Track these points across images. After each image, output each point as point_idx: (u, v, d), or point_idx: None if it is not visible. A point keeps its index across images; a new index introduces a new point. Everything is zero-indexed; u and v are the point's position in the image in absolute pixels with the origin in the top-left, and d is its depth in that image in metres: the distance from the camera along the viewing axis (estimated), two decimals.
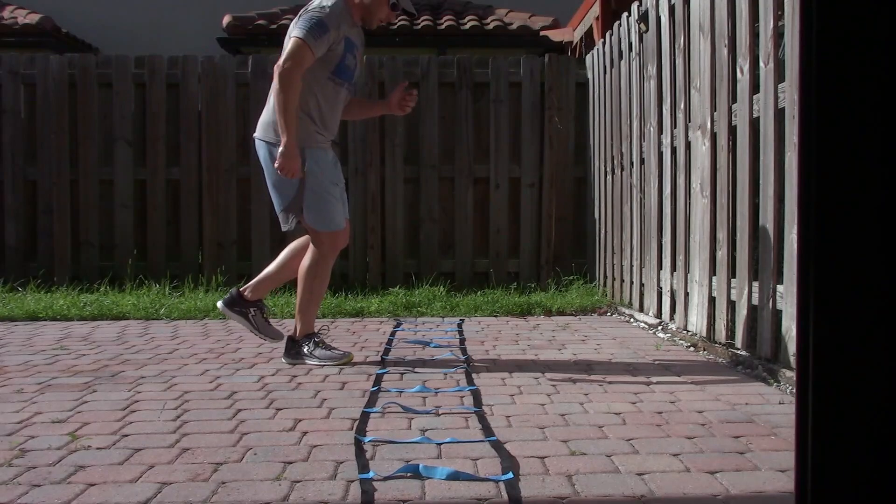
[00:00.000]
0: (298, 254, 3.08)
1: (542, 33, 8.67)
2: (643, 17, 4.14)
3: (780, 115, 2.74)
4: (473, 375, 2.77)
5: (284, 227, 3.03)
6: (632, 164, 4.41)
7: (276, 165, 2.86)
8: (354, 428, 2.06)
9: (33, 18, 9.22)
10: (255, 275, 5.32)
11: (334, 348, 3.05)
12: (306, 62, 2.82)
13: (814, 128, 0.64)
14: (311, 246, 3.01)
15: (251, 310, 3.13)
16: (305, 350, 2.99)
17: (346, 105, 3.15)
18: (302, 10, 2.90)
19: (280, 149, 2.83)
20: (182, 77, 5.45)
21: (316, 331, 3.08)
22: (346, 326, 4.08)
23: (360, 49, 3.09)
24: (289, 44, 2.82)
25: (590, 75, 5.41)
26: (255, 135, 3.02)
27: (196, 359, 3.15)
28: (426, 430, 2.04)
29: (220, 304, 3.17)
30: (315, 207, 2.93)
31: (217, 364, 3.03)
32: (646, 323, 3.99)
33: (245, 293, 3.14)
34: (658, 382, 2.63)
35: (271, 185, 2.99)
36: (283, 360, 3.03)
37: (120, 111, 5.44)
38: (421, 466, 1.70)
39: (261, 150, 2.99)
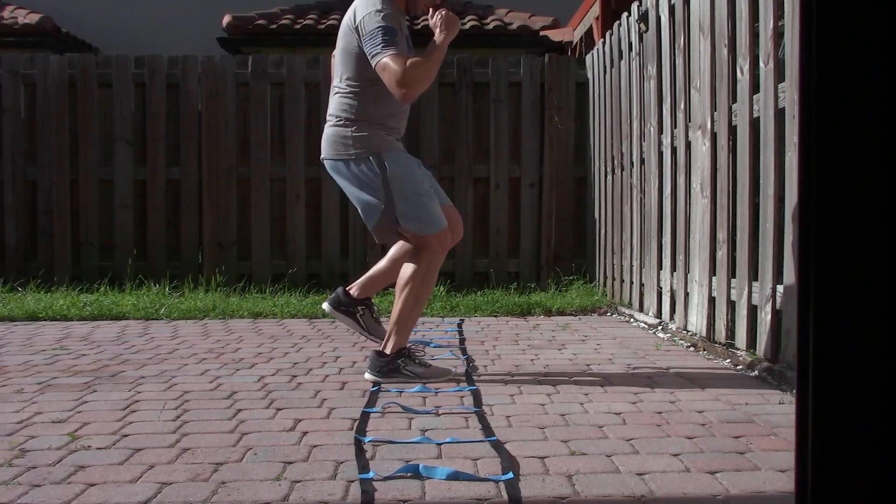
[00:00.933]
0: (409, 250, 2.83)
1: (542, 33, 8.67)
2: (643, 17, 4.14)
3: (780, 115, 2.74)
4: (473, 375, 2.77)
5: (379, 241, 2.87)
6: (632, 164, 4.41)
7: (444, 27, 2.64)
8: (354, 428, 2.06)
9: (33, 18, 9.22)
10: (256, 275, 5.38)
11: (429, 364, 2.74)
12: (402, 61, 2.54)
13: (814, 128, 0.64)
14: (414, 252, 2.73)
15: (359, 309, 2.94)
16: (401, 368, 2.66)
17: None
18: (351, 22, 2.67)
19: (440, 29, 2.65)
20: (182, 77, 5.45)
21: (410, 346, 2.78)
22: (346, 327, 4.07)
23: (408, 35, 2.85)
24: (383, 71, 2.55)
25: (590, 75, 5.41)
26: (322, 157, 2.79)
27: (196, 359, 3.15)
28: (426, 430, 2.04)
29: (325, 305, 2.99)
30: (412, 212, 2.67)
31: (217, 364, 3.03)
32: (646, 323, 3.99)
33: (351, 291, 2.95)
34: (658, 382, 2.63)
35: (357, 201, 2.74)
36: (368, 377, 2.69)
37: (120, 111, 5.44)
38: (421, 466, 1.70)
39: (333, 169, 2.76)
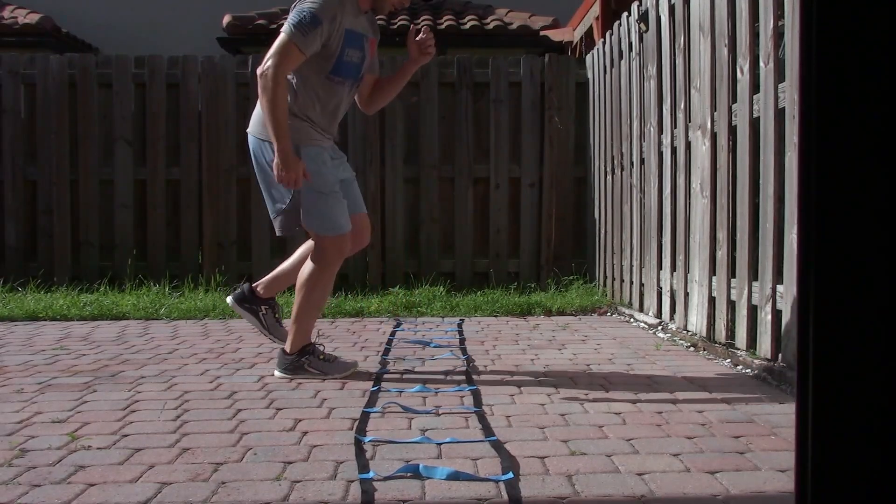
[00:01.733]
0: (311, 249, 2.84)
1: (542, 33, 8.67)
2: (643, 17, 4.14)
3: (780, 115, 2.74)
4: (473, 375, 2.77)
5: (280, 233, 2.77)
6: (632, 163, 4.41)
7: (275, 178, 2.60)
8: (354, 428, 2.06)
9: (33, 18, 9.21)
10: (256, 275, 5.37)
11: (336, 357, 2.81)
12: (292, 61, 2.54)
13: (814, 128, 0.64)
14: (313, 251, 2.73)
15: (262, 308, 2.95)
16: (305, 365, 2.73)
17: (374, 90, 2.95)
18: (297, 0, 2.63)
19: (275, 159, 2.58)
20: (182, 77, 5.45)
21: (313, 341, 2.83)
22: (346, 326, 4.08)
23: (372, 37, 2.79)
24: (275, 41, 2.55)
25: (590, 75, 5.41)
26: (247, 130, 2.78)
27: (196, 359, 3.15)
28: (426, 430, 2.04)
29: (229, 298, 2.99)
30: (315, 210, 2.65)
31: (217, 364, 3.03)
32: (646, 323, 3.99)
33: (257, 289, 2.95)
34: (658, 382, 2.63)
35: (264, 186, 2.74)
36: (276, 374, 2.76)
37: (120, 111, 5.44)
38: (421, 466, 1.70)
39: (253, 146, 2.74)
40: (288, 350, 2.76)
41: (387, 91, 2.99)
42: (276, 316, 3.00)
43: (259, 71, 2.56)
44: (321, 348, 2.82)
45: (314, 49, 2.57)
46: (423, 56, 2.85)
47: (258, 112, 2.68)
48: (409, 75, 2.91)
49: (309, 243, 2.84)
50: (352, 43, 2.67)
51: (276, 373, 2.77)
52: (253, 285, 2.97)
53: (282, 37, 2.54)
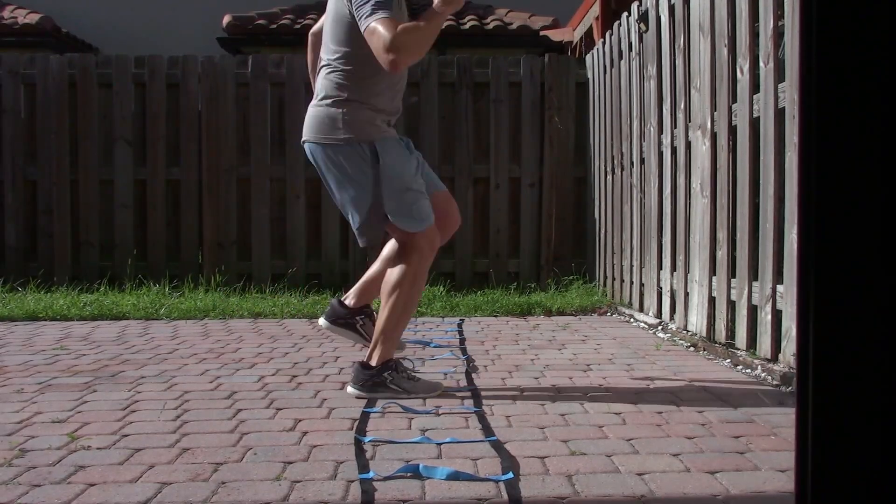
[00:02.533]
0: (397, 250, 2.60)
1: (542, 33, 8.67)
2: (643, 17, 4.14)
3: (780, 115, 2.74)
4: (473, 375, 2.77)
5: (365, 243, 2.54)
6: (632, 163, 4.41)
7: (444, 5, 2.27)
8: (354, 428, 2.06)
9: (33, 18, 9.22)
10: (256, 275, 5.38)
11: (418, 377, 2.51)
12: (394, 24, 2.24)
13: (814, 128, 0.64)
14: (401, 252, 2.49)
15: (358, 319, 2.68)
16: (388, 382, 2.42)
17: None
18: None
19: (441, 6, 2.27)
20: (182, 77, 5.45)
21: (398, 357, 2.54)
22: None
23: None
24: (372, 36, 2.25)
25: (590, 75, 5.41)
26: (303, 140, 2.50)
27: (196, 359, 3.15)
28: (426, 430, 2.04)
29: (322, 321, 2.72)
30: (402, 208, 2.41)
31: (217, 364, 3.03)
32: (646, 323, 3.99)
33: (346, 301, 2.71)
34: (658, 382, 2.63)
35: (341, 194, 2.47)
36: (350, 391, 2.45)
37: (120, 111, 5.44)
38: (421, 466, 1.70)
39: (316, 154, 2.47)
40: (372, 363, 2.44)
41: None
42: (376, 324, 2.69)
43: (387, 57, 2.21)
44: (411, 364, 2.57)
45: (399, 15, 2.34)
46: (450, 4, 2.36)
47: (312, 115, 2.47)
48: (437, 21, 2.37)
49: (393, 242, 2.61)
50: (406, 18, 2.44)
51: (350, 389, 2.46)
52: (341, 299, 2.73)
53: (371, 25, 2.23)
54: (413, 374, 2.51)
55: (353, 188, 2.42)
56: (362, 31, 2.27)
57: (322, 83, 2.46)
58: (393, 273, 2.48)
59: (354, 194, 2.43)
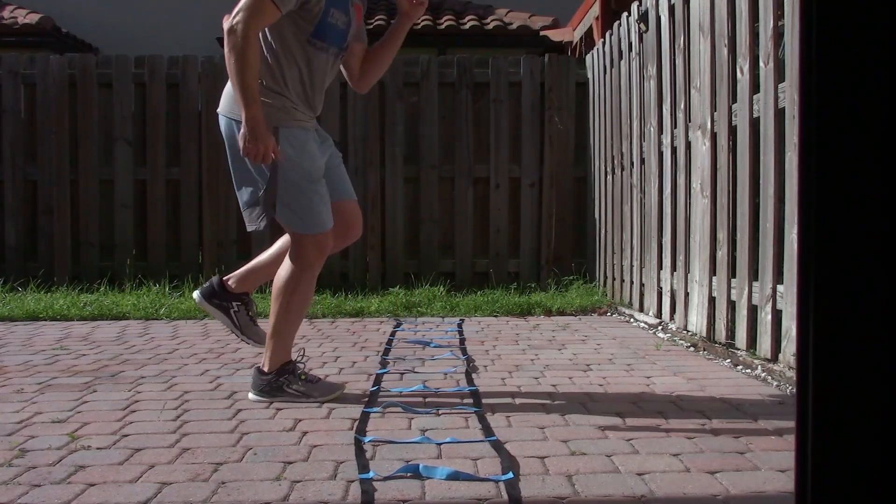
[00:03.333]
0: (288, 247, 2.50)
1: (542, 33, 8.67)
2: (643, 17, 4.14)
3: (780, 115, 2.74)
4: (473, 375, 2.77)
5: (251, 227, 2.40)
6: (632, 164, 4.41)
7: (241, 151, 2.23)
8: (354, 428, 2.06)
9: (33, 18, 9.22)
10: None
11: (319, 378, 2.45)
12: (265, 17, 2.19)
13: (814, 128, 0.64)
14: (291, 250, 2.40)
15: (234, 304, 2.58)
16: (284, 386, 2.38)
17: (366, 61, 2.57)
18: None
19: (241, 129, 2.21)
20: (182, 77, 5.45)
21: (294, 358, 2.45)
22: (346, 326, 4.08)
23: (357, 2, 2.46)
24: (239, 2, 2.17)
25: (590, 75, 5.41)
26: (217, 110, 2.42)
27: (196, 359, 3.15)
28: (426, 430, 2.04)
29: (196, 294, 2.61)
30: (294, 204, 2.31)
31: (217, 364, 3.03)
32: (646, 323, 3.99)
33: (228, 283, 2.59)
34: (658, 382, 2.63)
35: (234, 172, 2.38)
36: (251, 397, 2.39)
37: (120, 111, 5.44)
38: (421, 466, 1.70)
39: (226, 128, 2.37)
40: (265, 368, 2.39)
41: (380, 59, 2.61)
42: (251, 314, 2.62)
43: (227, 26, 2.17)
44: (302, 366, 2.45)
45: (290, 5, 2.22)
46: (416, 7, 2.47)
47: (229, 89, 2.34)
48: (403, 35, 2.53)
49: (287, 238, 2.51)
50: (336, 3, 2.33)
51: (251, 396, 2.40)
52: (224, 279, 2.61)
53: None
54: (313, 376, 2.44)
55: (246, 168, 2.31)
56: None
57: None
58: (279, 275, 2.41)
59: (246, 174, 2.34)
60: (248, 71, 2.17)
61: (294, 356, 2.46)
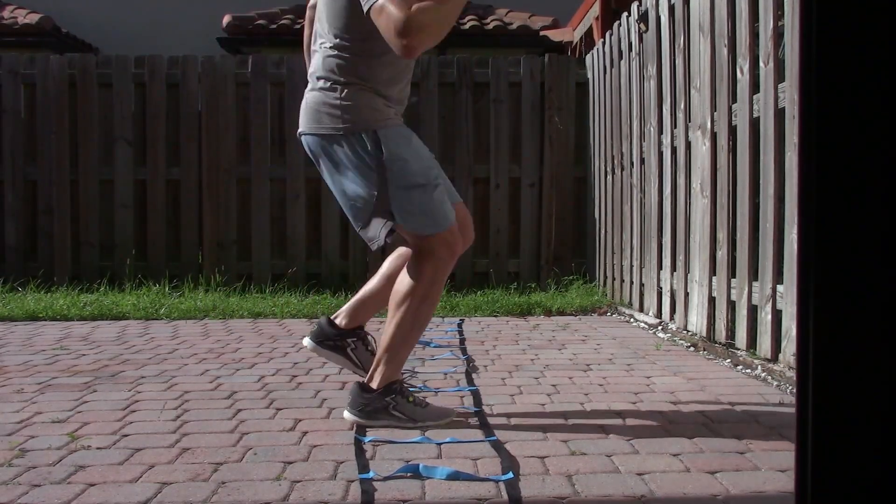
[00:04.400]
0: (406, 259, 2.23)
1: (542, 33, 8.67)
2: (643, 17, 4.14)
3: (780, 115, 2.74)
4: (473, 375, 2.77)
5: (374, 246, 2.13)
6: (632, 164, 4.41)
7: None
8: (354, 428, 2.06)
9: (33, 18, 9.22)
10: (256, 275, 5.38)
11: (428, 402, 2.16)
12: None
13: (814, 128, 0.64)
14: (415, 259, 2.13)
15: (349, 342, 2.36)
16: (390, 407, 2.09)
17: None
18: None
19: None
20: (182, 77, 5.45)
21: (402, 378, 2.18)
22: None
23: None
24: (380, 15, 1.90)
25: (590, 75, 5.41)
26: (300, 131, 2.18)
27: (196, 359, 3.15)
28: (426, 430, 2.04)
29: (306, 341, 2.40)
30: (419, 205, 2.07)
31: (217, 364, 3.03)
32: (646, 323, 3.99)
33: (337, 320, 2.37)
34: (658, 382, 2.63)
35: (340, 192, 2.13)
36: (347, 416, 2.11)
37: (120, 111, 5.44)
38: (421, 466, 1.70)
39: (312, 146, 2.15)
40: (373, 385, 2.11)
41: None
42: (370, 349, 2.38)
43: (399, 42, 1.88)
44: (411, 388, 2.23)
45: None
46: None
47: (307, 103, 2.15)
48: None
49: (395, 255, 2.32)
50: None
51: (347, 415, 2.12)
52: (331, 317, 2.39)
53: (379, 3, 1.90)
54: (421, 399, 2.16)
55: (353, 184, 2.09)
56: (365, 8, 1.95)
57: (317, 63, 2.14)
58: (403, 282, 2.13)
59: (355, 191, 2.09)
60: (444, 22, 1.93)
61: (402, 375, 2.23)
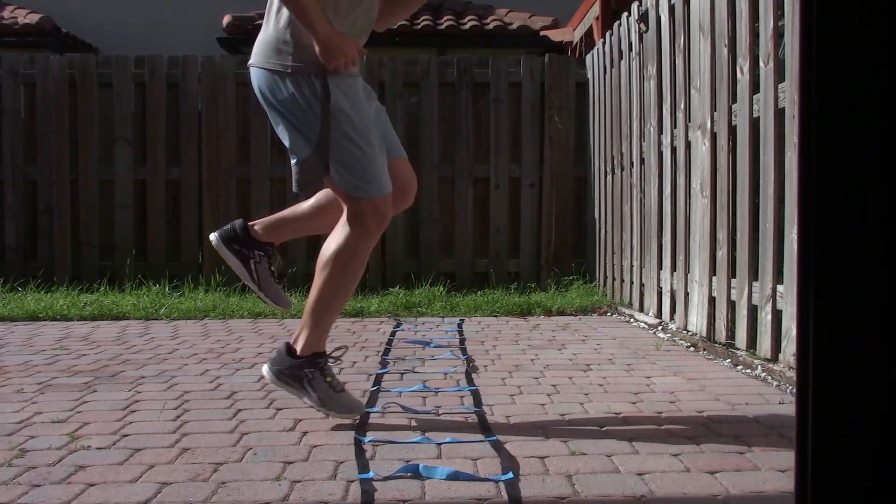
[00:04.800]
0: (339, 206, 2.13)
1: (542, 33, 8.68)
2: (643, 17, 4.14)
3: (780, 115, 2.74)
4: (473, 375, 2.77)
5: (297, 188, 2.09)
6: (632, 164, 4.41)
7: (323, 60, 1.97)
8: (354, 428, 2.06)
9: (33, 18, 9.22)
10: None
11: (344, 388, 2.13)
12: None
13: (814, 128, 0.64)
14: (343, 222, 2.08)
15: (255, 253, 2.25)
16: (305, 380, 2.08)
17: (385, 2, 2.24)
18: None
19: (316, 47, 1.96)
20: (182, 77, 5.45)
21: (327, 351, 2.14)
22: (346, 326, 4.08)
23: None
24: None
25: (590, 75, 5.41)
26: (249, 62, 2.13)
27: (196, 359, 3.15)
28: (426, 430, 2.04)
29: (213, 236, 2.30)
30: (351, 162, 2.01)
31: (217, 364, 3.03)
32: (646, 323, 3.99)
33: (254, 227, 2.27)
34: (658, 382, 2.63)
35: (282, 129, 2.07)
36: (265, 375, 2.13)
37: (120, 111, 5.44)
38: (421, 466, 1.70)
39: (259, 81, 2.09)
40: (297, 348, 2.09)
41: (399, 8, 2.33)
42: (272, 269, 2.31)
43: None
44: (332, 365, 2.16)
45: None
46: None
47: (263, 38, 2.09)
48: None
49: (328, 193, 2.20)
50: None
51: (265, 371, 2.12)
52: (249, 223, 2.29)
53: None
54: (339, 383, 2.12)
55: (293, 125, 2.04)
56: None
57: (273, 3, 2.09)
58: (328, 246, 2.09)
59: (294, 133, 2.04)
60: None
61: (329, 349, 2.16)
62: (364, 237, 2.06)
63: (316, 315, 2.09)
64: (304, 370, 2.07)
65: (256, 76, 2.10)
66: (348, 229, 2.06)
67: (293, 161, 2.07)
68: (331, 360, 2.14)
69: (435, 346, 3.38)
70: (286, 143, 2.09)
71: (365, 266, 2.16)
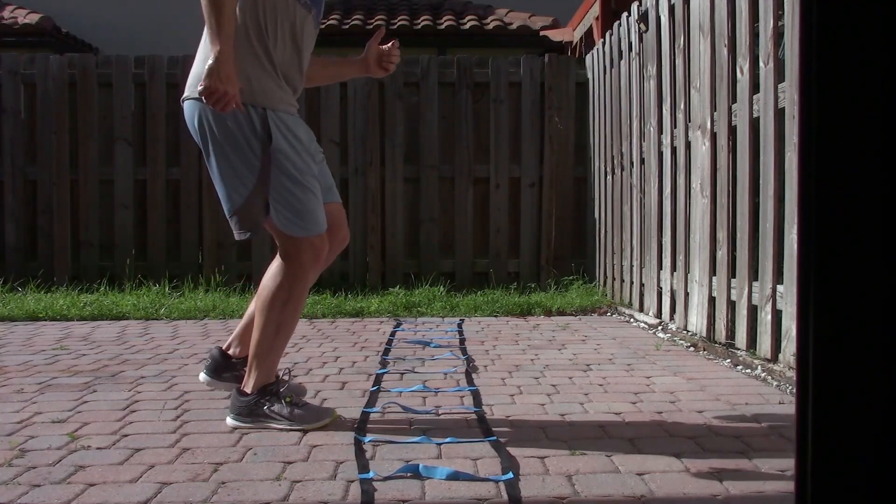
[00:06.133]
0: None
1: (542, 33, 8.68)
2: (643, 17, 4.14)
3: (780, 115, 2.74)
4: (473, 375, 2.77)
5: (239, 234, 2.05)
6: (632, 164, 4.41)
7: (199, 89, 1.89)
8: (354, 428, 2.06)
9: (33, 18, 9.22)
10: (256, 275, 5.36)
11: (305, 402, 2.14)
12: None
13: (814, 128, 0.64)
14: (280, 262, 2.08)
15: (261, 402, 2.11)
16: (265, 409, 2.06)
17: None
18: None
19: (208, 63, 1.88)
20: (182, 77, 5.44)
21: (280, 376, 2.16)
22: (346, 326, 4.08)
23: None
24: None
25: (590, 75, 5.41)
26: (182, 98, 2.11)
27: (196, 359, 3.15)
28: (426, 430, 2.04)
29: (202, 376, 2.29)
30: (291, 202, 2.01)
31: None
32: (646, 323, 3.99)
33: (230, 350, 2.28)
34: (658, 382, 2.63)
35: (217, 169, 2.01)
36: (228, 422, 2.09)
37: (120, 111, 5.44)
38: (421, 466, 1.70)
39: (190, 114, 2.04)
40: (247, 390, 2.09)
41: (317, 73, 2.37)
42: (287, 399, 2.18)
43: None
44: (287, 388, 2.16)
45: None
46: (379, 70, 2.33)
47: (197, 70, 2.04)
48: (347, 77, 2.16)
49: (271, 272, 2.13)
50: None
51: (229, 420, 2.10)
52: (223, 348, 2.30)
53: None
54: (299, 400, 2.13)
55: (231, 163, 1.98)
56: None
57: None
58: (266, 286, 2.09)
59: (232, 171, 1.99)
60: (225, 5, 1.89)
61: (281, 373, 2.19)
62: (300, 275, 2.07)
63: (260, 357, 2.10)
64: (259, 404, 2.08)
65: (190, 109, 2.04)
66: (284, 268, 2.08)
67: (230, 205, 2.02)
68: (282, 382, 2.15)
69: (435, 346, 3.38)
70: (219, 189, 2.04)
71: (304, 303, 2.16)
